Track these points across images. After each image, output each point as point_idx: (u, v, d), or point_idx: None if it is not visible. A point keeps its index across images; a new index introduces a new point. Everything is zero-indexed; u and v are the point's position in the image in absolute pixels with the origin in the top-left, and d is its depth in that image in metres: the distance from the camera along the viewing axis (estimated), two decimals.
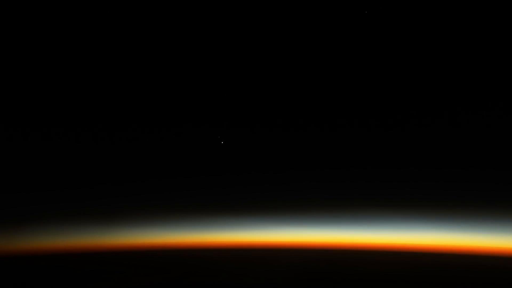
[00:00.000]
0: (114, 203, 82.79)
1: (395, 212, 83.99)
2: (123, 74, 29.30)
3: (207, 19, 23.76)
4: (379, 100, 32.97)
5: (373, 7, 21.69)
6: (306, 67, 29.04)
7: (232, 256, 77.77)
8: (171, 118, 37.96)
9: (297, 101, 34.74)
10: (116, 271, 51.67)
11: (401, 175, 60.57)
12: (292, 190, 73.75)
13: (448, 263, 66.82)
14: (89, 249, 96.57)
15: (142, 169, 62.95)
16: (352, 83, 30.86)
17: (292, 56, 27.38)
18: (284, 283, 39.38)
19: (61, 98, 32.24)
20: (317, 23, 23.03)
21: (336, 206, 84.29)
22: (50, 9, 21.24)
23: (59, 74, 29.32)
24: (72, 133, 39.28)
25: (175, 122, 39.23)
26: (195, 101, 34.19)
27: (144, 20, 23.42)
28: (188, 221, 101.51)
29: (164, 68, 28.86)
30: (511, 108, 30.64)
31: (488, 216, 76.81)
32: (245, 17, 23.26)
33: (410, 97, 32.41)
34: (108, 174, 64.90)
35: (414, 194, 68.09)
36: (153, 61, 27.99)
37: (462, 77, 28.80)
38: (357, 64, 28.02)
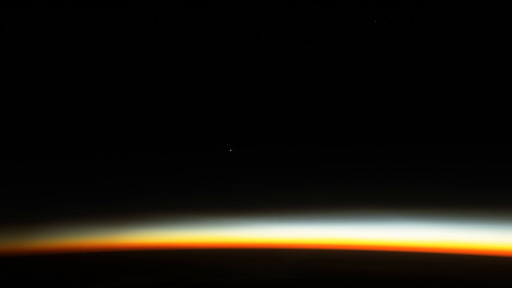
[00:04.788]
0: (114, 203, 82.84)
1: (395, 212, 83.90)
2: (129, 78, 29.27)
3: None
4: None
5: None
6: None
7: (232, 256, 77.77)
8: (172, 119, 38.06)
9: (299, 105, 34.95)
10: (116, 271, 51.66)
11: (401, 175, 60.64)
12: (292, 190, 73.91)
13: (448, 263, 66.85)
14: (90, 249, 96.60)
15: (142, 169, 63.07)
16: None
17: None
18: (284, 283, 39.36)
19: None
20: None
21: (336, 206, 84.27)
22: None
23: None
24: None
25: (175, 123, 39.29)
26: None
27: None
28: (188, 221, 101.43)
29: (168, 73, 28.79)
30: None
31: (488, 216, 76.70)
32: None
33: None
34: (108, 175, 64.98)
35: (414, 194, 68.17)
36: (153, 64, 27.93)
37: None
38: None
